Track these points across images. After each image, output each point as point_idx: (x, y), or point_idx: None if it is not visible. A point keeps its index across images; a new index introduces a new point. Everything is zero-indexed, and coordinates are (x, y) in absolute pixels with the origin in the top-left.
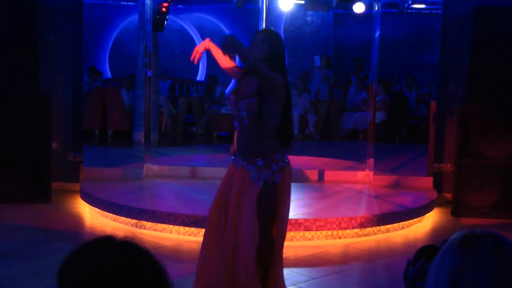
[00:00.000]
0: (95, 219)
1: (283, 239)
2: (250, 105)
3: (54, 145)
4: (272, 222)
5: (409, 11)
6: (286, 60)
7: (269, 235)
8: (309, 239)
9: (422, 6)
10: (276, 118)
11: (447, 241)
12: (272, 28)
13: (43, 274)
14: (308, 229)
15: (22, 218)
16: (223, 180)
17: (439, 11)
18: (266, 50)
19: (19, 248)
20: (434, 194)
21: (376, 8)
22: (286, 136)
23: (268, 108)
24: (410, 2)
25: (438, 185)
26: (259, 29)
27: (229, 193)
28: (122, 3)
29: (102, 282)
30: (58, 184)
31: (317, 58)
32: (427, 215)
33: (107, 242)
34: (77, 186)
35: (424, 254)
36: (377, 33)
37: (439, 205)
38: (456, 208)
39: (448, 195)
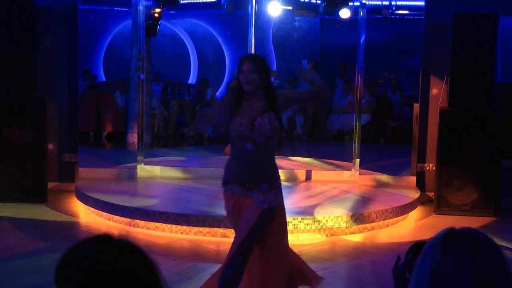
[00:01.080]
0: (90, 218)
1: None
2: (270, 119)
3: (50, 146)
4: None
5: (393, 17)
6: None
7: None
8: (297, 236)
9: (406, 12)
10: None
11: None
12: (256, 53)
13: (40, 271)
14: (296, 227)
15: (19, 217)
16: (231, 216)
17: (422, 17)
18: (258, 80)
19: (16, 246)
20: (417, 193)
21: (361, 14)
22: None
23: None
24: (394, 8)
25: (421, 184)
26: (249, 34)
27: (238, 221)
28: (116, 8)
29: (97, 279)
30: (54, 184)
31: (304, 62)
32: (410, 213)
33: (103, 240)
34: (72, 186)
35: (414, 250)
36: (362, 38)
37: (422, 203)
38: (438, 206)
39: (431, 194)
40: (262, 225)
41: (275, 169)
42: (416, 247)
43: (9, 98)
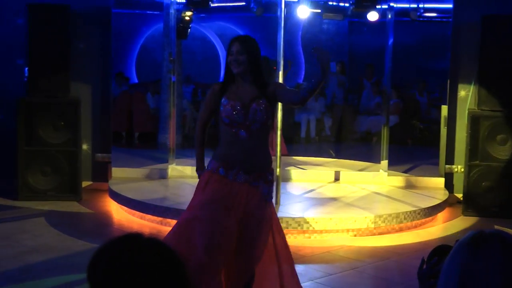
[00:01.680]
0: (122, 216)
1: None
2: (263, 106)
3: (84, 146)
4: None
5: (421, 19)
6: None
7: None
8: (326, 237)
9: (434, 14)
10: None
11: (457, 243)
12: (246, 35)
13: (75, 267)
14: (324, 227)
15: (54, 215)
16: (209, 193)
17: (450, 20)
18: (245, 62)
19: (52, 243)
20: (445, 194)
21: (389, 16)
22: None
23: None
24: (422, 11)
25: (449, 186)
26: (278, 36)
27: (231, 213)
28: (148, 12)
29: (128, 276)
30: (87, 183)
31: (333, 64)
32: (438, 214)
33: (134, 238)
34: (105, 185)
35: (438, 253)
36: (390, 41)
37: (450, 205)
38: (467, 208)
39: (459, 195)
40: (269, 222)
41: (270, 157)
42: (440, 250)
43: (45, 100)
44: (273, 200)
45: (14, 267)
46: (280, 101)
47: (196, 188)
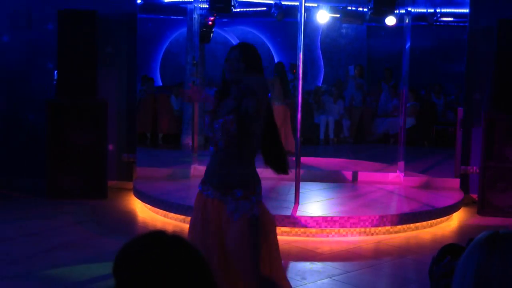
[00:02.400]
0: (146, 214)
1: (281, 267)
2: (225, 124)
3: (110, 147)
4: (259, 257)
5: (437, 24)
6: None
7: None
8: (344, 235)
9: (450, 19)
10: (258, 139)
11: (472, 240)
12: (247, 43)
13: (100, 264)
14: (342, 226)
15: (81, 212)
16: (194, 213)
17: (466, 24)
18: (242, 70)
19: (79, 240)
20: (461, 195)
21: (407, 21)
22: (279, 160)
23: (249, 127)
24: (438, 15)
25: (464, 186)
26: (298, 40)
27: (208, 231)
28: (172, 17)
29: (152, 271)
30: (113, 182)
31: (351, 68)
32: (454, 214)
33: (157, 236)
34: (130, 185)
35: (449, 252)
36: (408, 44)
37: (466, 205)
38: (482, 208)
39: (474, 196)
40: (249, 240)
41: (252, 173)
42: (450, 248)
43: (73, 102)
44: (293, 199)
45: (43, 262)
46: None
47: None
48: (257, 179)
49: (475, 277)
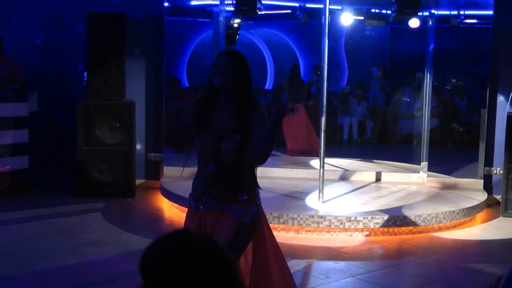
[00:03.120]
0: (173, 212)
1: (285, 266)
2: (233, 144)
3: (138, 146)
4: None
5: (461, 25)
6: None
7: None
8: (367, 235)
9: (474, 21)
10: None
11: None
12: (235, 49)
13: (129, 260)
14: (366, 225)
15: (109, 211)
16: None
17: (490, 26)
18: (231, 76)
19: (107, 237)
20: (484, 196)
21: (430, 23)
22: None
23: (252, 140)
24: (462, 17)
25: (488, 187)
26: (322, 42)
27: None
28: (198, 20)
29: (178, 268)
30: (141, 181)
31: (374, 69)
32: (477, 215)
33: (183, 234)
34: (157, 183)
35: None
36: (431, 46)
37: (489, 205)
38: (505, 209)
39: (498, 197)
40: (243, 239)
41: (252, 178)
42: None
43: (102, 102)
44: (317, 199)
45: (73, 258)
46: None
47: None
48: (256, 181)
49: None
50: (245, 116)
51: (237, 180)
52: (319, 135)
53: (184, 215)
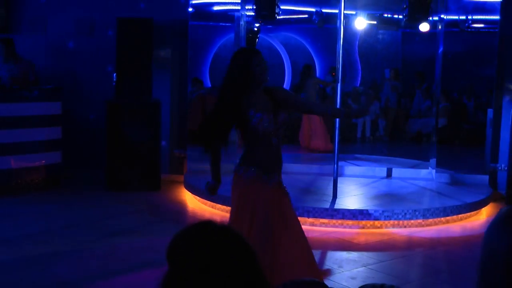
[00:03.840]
0: (196, 205)
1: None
2: (286, 119)
3: (163, 143)
4: None
5: (469, 30)
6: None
7: None
8: (378, 227)
9: (481, 25)
10: None
11: (497, 216)
12: (244, 47)
13: (155, 249)
14: (377, 218)
15: (137, 203)
16: (263, 205)
17: (497, 30)
18: (227, 69)
19: (135, 227)
20: (489, 191)
21: (440, 27)
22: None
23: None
24: (470, 22)
25: (493, 183)
26: (337, 45)
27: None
28: (221, 24)
29: (203, 256)
30: (166, 176)
31: (387, 71)
32: (483, 209)
33: (208, 225)
34: (181, 178)
35: None
36: (440, 49)
37: (494, 200)
38: (510, 203)
39: (502, 192)
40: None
41: None
42: None
43: (130, 101)
44: (331, 193)
45: (102, 247)
46: (293, 109)
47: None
48: None
49: (508, 259)
50: (268, 93)
51: (281, 155)
52: (333, 134)
53: (206, 207)
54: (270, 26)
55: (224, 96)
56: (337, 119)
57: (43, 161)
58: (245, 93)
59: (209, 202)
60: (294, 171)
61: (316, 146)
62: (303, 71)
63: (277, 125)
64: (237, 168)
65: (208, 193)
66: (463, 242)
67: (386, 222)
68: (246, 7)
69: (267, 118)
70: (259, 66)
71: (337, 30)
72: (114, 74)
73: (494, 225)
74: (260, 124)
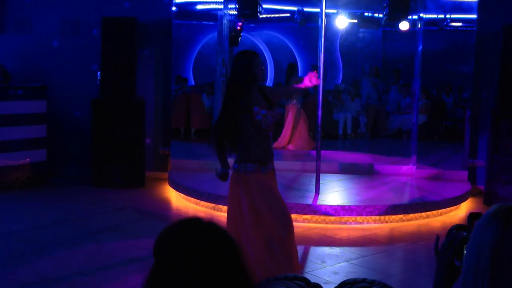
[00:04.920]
0: (180, 202)
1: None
2: (279, 115)
3: (148, 140)
4: None
5: (447, 28)
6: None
7: None
8: (360, 222)
9: (459, 24)
10: None
11: (473, 216)
12: (245, 49)
13: (140, 246)
14: (359, 214)
15: (121, 200)
16: (267, 191)
17: (474, 29)
18: (231, 70)
19: (119, 225)
20: (468, 186)
21: (419, 26)
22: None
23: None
24: (448, 20)
25: (472, 178)
26: (319, 44)
27: (276, 194)
28: (204, 23)
29: (190, 253)
30: (150, 173)
31: (366, 66)
32: (462, 204)
33: (195, 221)
34: (166, 175)
35: (456, 228)
36: (420, 47)
37: (473, 195)
38: (488, 199)
39: (481, 187)
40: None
41: None
42: (456, 227)
43: (114, 100)
44: (313, 189)
45: (88, 244)
46: (276, 102)
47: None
48: None
49: (492, 250)
50: (262, 93)
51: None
52: (315, 131)
53: (190, 204)
54: (253, 25)
55: (232, 93)
56: (319, 117)
57: (28, 159)
58: (248, 91)
59: (193, 199)
60: (276, 167)
61: (300, 147)
62: (288, 69)
63: (275, 120)
64: (235, 166)
65: (221, 179)
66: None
67: (368, 217)
68: (229, 6)
69: (270, 115)
70: (258, 67)
71: (318, 29)
72: (99, 73)
73: (482, 221)
74: (263, 120)
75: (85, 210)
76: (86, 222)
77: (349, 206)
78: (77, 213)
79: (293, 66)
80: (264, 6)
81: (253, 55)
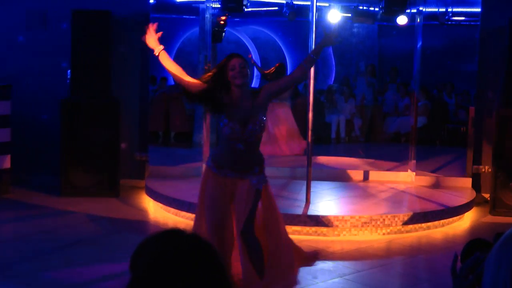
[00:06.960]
0: (158, 213)
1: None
2: (262, 123)
3: (123, 145)
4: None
5: (449, 23)
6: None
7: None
8: (355, 234)
9: (462, 18)
10: None
11: (500, 235)
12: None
13: (114, 260)
14: (354, 225)
15: (94, 210)
16: (211, 190)
17: (478, 23)
18: (248, 75)
19: (92, 237)
20: (473, 194)
21: (418, 20)
22: None
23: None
24: (450, 14)
25: (476, 186)
26: (309, 40)
27: (225, 201)
28: (184, 17)
29: (169, 268)
30: (126, 180)
31: (361, 64)
32: (466, 213)
33: (176, 233)
34: (142, 183)
35: (476, 247)
36: (419, 44)
37: (478, 204)
38: (494, 207)
39: (486, 195)
40: (256, 203)
41: (261, 154)
42: (476, 244)
43: (87, 100)
44: (304, 198)
45: (56, 259)
46: (281, 93)
47: (201, 181)
48: (263, 157)
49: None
50: (255, 96)
51: (256, 156)
52: (305, 134)
53: (169, 215)
54: (238, 19)
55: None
56: (310, 119)
57: None
58: (223, 91)
59: (172, 209)
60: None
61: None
62: (277, 70)
63: (245, 134)
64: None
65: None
66: (445, 250)
67: (363, 229)
68: None
69: (236, 129)
70: (232, 70)
71: (309, 24)
72: (69, 71)
73: (499, 245)
74: (224, 129)
75: (53, 222)
76: (54, 236)
77: (343, 217)
78: (44, 226)
79: (282, 66)
80: None
81: (231, 57)
